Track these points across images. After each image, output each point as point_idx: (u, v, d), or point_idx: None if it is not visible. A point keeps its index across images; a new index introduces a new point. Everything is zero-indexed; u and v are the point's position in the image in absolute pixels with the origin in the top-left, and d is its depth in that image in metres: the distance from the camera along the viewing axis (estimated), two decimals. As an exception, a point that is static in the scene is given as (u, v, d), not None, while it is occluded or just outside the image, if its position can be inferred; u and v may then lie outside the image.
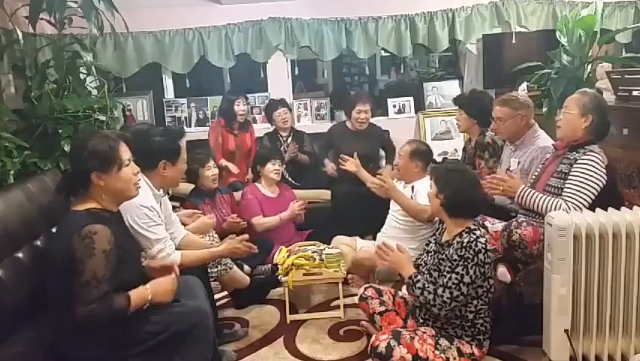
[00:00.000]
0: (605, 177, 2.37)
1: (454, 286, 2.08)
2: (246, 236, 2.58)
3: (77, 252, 1.73)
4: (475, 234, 2.14)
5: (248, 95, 4.73)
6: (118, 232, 1.86)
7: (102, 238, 1.75)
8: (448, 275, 2.11)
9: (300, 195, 3.87)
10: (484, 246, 2.11)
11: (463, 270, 2.08)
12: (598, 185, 2.35)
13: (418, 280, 2.19)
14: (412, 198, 3.14)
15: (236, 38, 4.60)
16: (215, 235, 2.98)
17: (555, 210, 2.32)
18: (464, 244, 2.11)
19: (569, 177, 2.39)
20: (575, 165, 2.39)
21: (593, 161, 2.36)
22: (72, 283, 1.72)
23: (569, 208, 2.31)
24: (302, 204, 3.54)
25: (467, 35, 4.66)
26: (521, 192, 2.48)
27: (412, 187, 3.17)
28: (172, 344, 1.87)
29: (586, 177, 2.35)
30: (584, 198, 2.33)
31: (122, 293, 1.80)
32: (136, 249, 2.11)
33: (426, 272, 2.24)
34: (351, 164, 3.54)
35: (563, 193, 2.38)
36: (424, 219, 3.07)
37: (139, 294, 1.84)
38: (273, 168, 3.58)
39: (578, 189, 2.34)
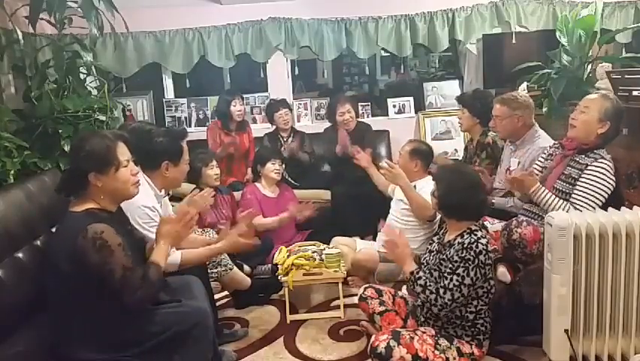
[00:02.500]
0: (614, 183, 2.38)
1: (455, 288, 2.08)
2: (241, 226, 2.56)
3: (94, 255, 1.73)
4: (476, 235, 2.13)
5: (247, 95, 4.74)
6: (117, 232, 1.85)
7: (110, 233, 1.77)
8: (449, 277, 2.10)
9: (300, 195, 3.87)
10: (485, 247, 2.10)
11: (464, 272, 2.08)
12: (607, 192, 2.36)
13: (420, 278, 2.17)
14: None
15: (236, 38, 4.60)
16: (215, 236, 2.98)
17: None
18: (465, 245, 2.10)
19: (579, 183, 2.38)
20: (586, 171, 2.38)
21: (604, 169, 2.36)
22: (106, 284, 1.75)
23: None
24: (301, 207, 3.52)
25: (467, 35, 4.65)
26: (536, 188, 2.47)
27: (414, 186, 3.17)
28: (172, 344, 1.87)
29: (597, 185, 2.35)
30: (592, 206, 2.33)
31: (149, 265, 1.85)
32: (136, 248, 2.10)
33: (427, 271, 2.24)
34: (363, 158, 3.56)
35: (573, 198, 2.38)
36: (426, 216, 3.06)
37: (158, 252, 1.91)
38: (273, 168, 3.58)
39: (588, 196, 2.35)
